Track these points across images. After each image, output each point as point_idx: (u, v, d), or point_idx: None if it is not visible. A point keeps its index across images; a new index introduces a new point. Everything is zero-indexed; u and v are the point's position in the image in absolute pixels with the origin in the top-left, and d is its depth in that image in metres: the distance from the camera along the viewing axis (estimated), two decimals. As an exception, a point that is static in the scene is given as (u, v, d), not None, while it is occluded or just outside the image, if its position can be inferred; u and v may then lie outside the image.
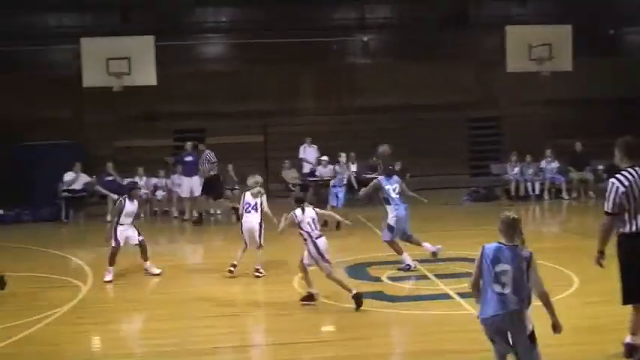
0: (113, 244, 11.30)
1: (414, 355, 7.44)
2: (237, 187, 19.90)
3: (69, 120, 22.19)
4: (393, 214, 11.27)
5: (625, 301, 6.65)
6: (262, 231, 11.16)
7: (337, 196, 16.31)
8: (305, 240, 9.29)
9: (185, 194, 18.56)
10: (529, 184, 20.50)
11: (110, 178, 19.19)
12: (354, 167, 20.30)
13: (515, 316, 5.33)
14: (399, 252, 11.31)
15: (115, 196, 18.51)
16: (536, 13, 24.52)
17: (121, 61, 18.79)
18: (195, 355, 7.70)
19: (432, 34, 23.41)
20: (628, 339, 6.73)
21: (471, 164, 24.03)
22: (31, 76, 21.73)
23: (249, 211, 11.24)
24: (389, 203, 11.37)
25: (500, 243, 5.55)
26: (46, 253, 14.21)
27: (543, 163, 20.69)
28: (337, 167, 17.69)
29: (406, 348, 7.59)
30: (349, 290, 9.06)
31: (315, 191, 20.27)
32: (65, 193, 18.89)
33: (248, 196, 11.36)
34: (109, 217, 18.29)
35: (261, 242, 11.15)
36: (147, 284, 11.25)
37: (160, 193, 19.40)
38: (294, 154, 20.54)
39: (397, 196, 11.43)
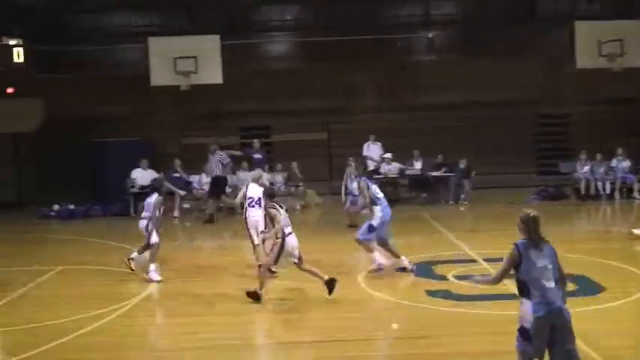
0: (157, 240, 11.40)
1: (481, 355, 7.35)
2: (301, 184, 20.06)
3: (138, 118, 22.67)
4: (379, 214, 11.02)
5: None
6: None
7: None
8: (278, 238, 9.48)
9: (251, 191, 18.69)
10: (599, 184, 20.00)
11: (177, 174, 19.54)
12: (418, 165, 20.19)
13: (563, 310, 5.46)
14: (370, 250, 11.13)
15: (182, 192, 18.97)
16: (605, 7, 23.85)
17: (188, 60, 19.16)
18: (260, 350, 7.78)
19: (498, 30, 23.03)
20: None
21: (538, 162, 23.54)
22: (102, 76, 22.27)
23: (253, 206, 11.14)
24: (376, 204, 11.13)
25: (530, 239, 5.62)
26: (115, 247, 14.55)
27: (614, 162, 20.15)
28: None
29: (473, 348, 7.49)
30: (321, 277, 9.47)
31: (380, 188, 20.22)
32: (133, 189, 19.32)
33: (251, 190, 11.22)
34: (175, 213, 18.71)
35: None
36: (213, 280, 11.40)
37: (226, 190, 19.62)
38: (358, 152, 20.52)
39: (383, 196, 11.29)
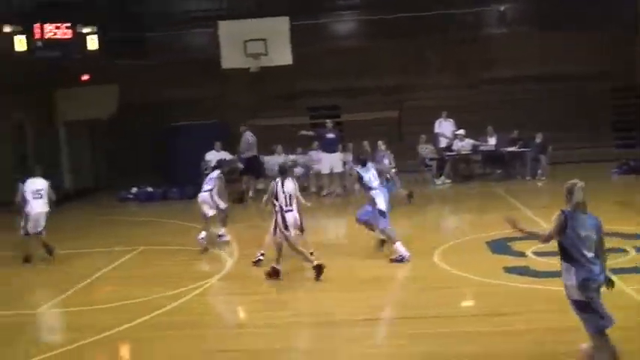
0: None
1: (562, 331, 7.18)
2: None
3: (211, 101, 22.98)
4: (379, 199, 10.72)
5: None
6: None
7: None
8: (276, 211, 9.78)
9: (325, 170, 18.78)
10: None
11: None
12: (492, 140, 19.81)
13: (601, 281, 5.64)
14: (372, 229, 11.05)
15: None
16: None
17: (258, 42, 19.27)
18: (332, 327, 7.79)
19: (570, 2, 22.25)
20: None
21: (614, 136, 22.76)
22: (174, 61, 22.61)
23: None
24: (370, 190, 10.85)
25: (576, 209, 5.74)
26: (192, 228, 14.79)
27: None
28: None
29: (553, 324, 7.33)
30: (311, 261, 9.63)
31: (453, 165, 19.99)
32: (207, 171, 19.55)
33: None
34: (250, 194, 18.91)
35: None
36: (290, 257, 11.47)
37: (298, 170, 19.69)
38: (429, 129, 20.27)
39: (377, 181, 11.04)
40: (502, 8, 23.17)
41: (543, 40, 22.33)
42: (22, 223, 11.90)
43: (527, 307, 8.03)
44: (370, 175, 10.97)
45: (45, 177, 12.31)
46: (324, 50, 22.61)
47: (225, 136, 20.80)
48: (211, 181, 12.38)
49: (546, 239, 5.93)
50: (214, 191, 12.19)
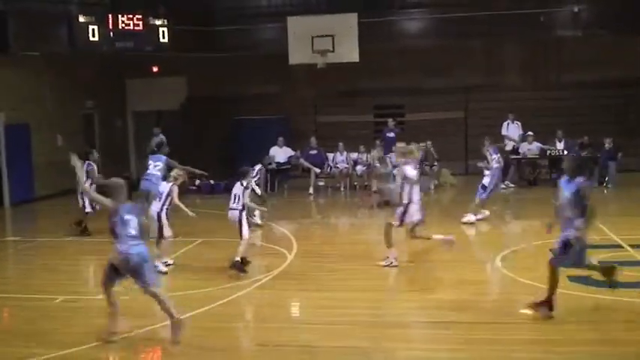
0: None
1: (629, 344, 6.98)
2: (436, 163, 19.76)
3: (276, 96, 23.15)
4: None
5: None
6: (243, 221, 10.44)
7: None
8: None
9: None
10: None
11: (314, 151, 19.78)
12: (561, 145, 19.38)
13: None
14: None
15: (318, 170, 19.21)
16: None
17: (326, 38, 19.35)
18: (389, 328, 7.76)
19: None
20: None
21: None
22: (241, 55, 22.84)
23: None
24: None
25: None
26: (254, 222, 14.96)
27: None
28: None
29: (615, 335, 7.14)
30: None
31: (518, 168, 19.65)
32: (271, 166, 19.71)
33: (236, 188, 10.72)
34: (310, 190, 18.97)
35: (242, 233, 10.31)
36: (347, 256, 11.49)
37: (359, 168, 19.67)
38: (495, 131, 19.95)
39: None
40: (576, 9, 22.58)
41: (619, 44, 21.72)
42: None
43: (589, 317, 7.83)
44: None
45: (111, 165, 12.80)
46: (391, 48, 22.46)
47: (287, 132, 20.95)
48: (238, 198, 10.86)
49: None
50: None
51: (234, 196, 10.47)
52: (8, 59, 18.11)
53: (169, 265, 10.63)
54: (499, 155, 14.40)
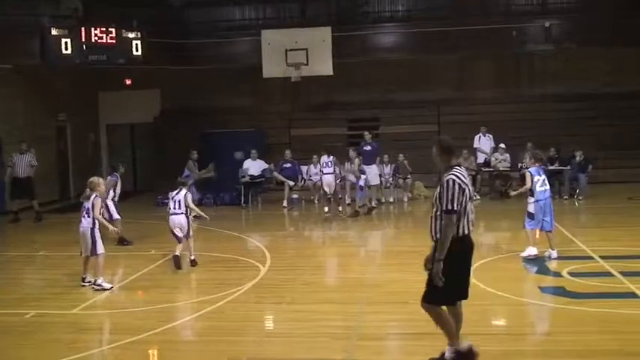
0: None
1: (603, 354, 7.03)
2: (409, 176, 19.87)
3: (250, 109, 23.16)
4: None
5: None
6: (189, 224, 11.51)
7: None
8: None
9: (361, 182, 18.71)
10: None
11: (288, 165, 19.77)
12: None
13: None
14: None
15: (292, 183, 19.19)
16: None
17: (300, 51, 19.43)
18: (364, 340, 7.75)
19: (612, 19, 21.84)
20: None
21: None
22: (215, 68, 22.84)
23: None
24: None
25: None
26: (227, 235, 14.92)
27: None
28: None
29: (588, 345, 7.19)
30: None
31: (490, 181, 19.81)
32: (244, 179, 19.70)
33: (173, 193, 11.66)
34: (284, 203, 18.93)
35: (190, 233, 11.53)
36: (322, 268, 11.48)
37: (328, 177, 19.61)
38: (468, 144, 20.12)
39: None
40: (547, 24, 22.89)
41: (589, 57, 22.07)
42: None
43: (565, 328, 7.88)
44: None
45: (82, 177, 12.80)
46: (365, 62, 22.60)
47: (261, 145, 20.94)
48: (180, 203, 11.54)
49: None
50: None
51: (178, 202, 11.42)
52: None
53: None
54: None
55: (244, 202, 19.55)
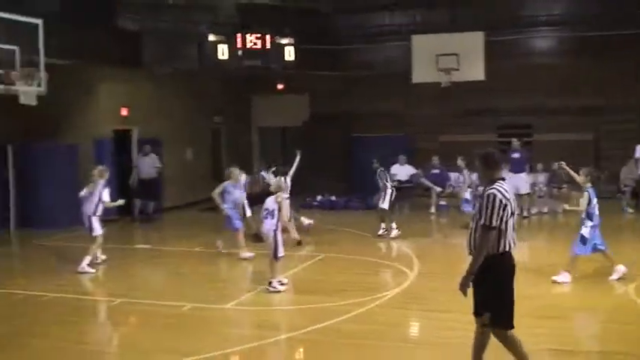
0: None
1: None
2: (565, 186, 19.07)
3: (398, 114, 23.09)
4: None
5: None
6: (278, 240, 10.33)
7: None
8: None
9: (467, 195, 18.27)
10: None
11: (436, 171, 19.55)
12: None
13: None
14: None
15: (438, 189, 18.96)
16: None
17: (450, 57, 19.19)
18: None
19: None
20: None
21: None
22: (364, 74, 22.95)
23: (266, 217, 10.39)
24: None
25: None
26: (374, 239, 14.95)
27: None
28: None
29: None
30: None
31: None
32: (392, 183, 19.62)
33: (268, 202, 10.50)
34: (432, 210, 18.73)
35: (276, 252, 10.33)
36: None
37: (482, 188, 19.21)
38: (628, 154, 19.04)
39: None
40: None
41: None
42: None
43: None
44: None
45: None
46: (518, 66, 21.94)
47: (409, 150, 20.83)
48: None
49: None
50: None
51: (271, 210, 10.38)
52: (142, 75, 19.05)
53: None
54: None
55: (391, 207, 19.48)
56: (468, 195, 16.32)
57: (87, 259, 11.94)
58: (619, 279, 10.38)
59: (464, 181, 16.98)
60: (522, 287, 10.15)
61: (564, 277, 10.45)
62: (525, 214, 17.49)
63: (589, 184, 10.42)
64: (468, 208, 15.67)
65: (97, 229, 12.11)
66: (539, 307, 9.18)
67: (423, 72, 19.67)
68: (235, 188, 13.17)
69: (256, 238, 13.40)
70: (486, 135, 22.55)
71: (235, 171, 13.44)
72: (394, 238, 14.77)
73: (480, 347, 6.44)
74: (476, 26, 20.08)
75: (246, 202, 13.95)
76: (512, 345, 6.27)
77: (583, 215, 10.32)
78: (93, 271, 11.85)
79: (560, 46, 22.18)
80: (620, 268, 10.48)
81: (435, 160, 19.78)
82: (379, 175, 15.56)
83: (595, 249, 10.41)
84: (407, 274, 11.24)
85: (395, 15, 24.11)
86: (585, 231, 10.27)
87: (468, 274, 6.03)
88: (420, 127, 22.94)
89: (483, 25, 20.38)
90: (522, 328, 8.43)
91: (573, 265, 10.49)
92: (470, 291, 6.17)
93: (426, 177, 19.44)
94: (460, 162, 17.25)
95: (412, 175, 19.80)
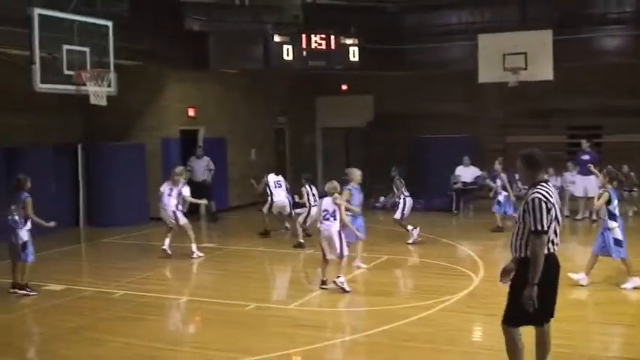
0: None
1: None
2: (635, 188, 18.55)
3: (463, 114, 22.79)
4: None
5: None
6: (342, 239, 10.28)
7: None
8: None
9: (579, 193, 17.83)
10: None
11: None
12: None
13: None
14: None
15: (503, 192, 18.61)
16: None
17: (518, 56, 18.84)
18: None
19: None
20: None
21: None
22: (429, 73, 22.71)
23: (328, 219, 10.25)
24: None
25: None
26: (437, 241, 14.80)
27: None
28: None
29: None
30: None
31: None
32: (457, 185, 19.45)
33: (326, 203, 10.37)
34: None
35: (342, 252, 10.27)
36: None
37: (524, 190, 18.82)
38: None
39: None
40: None
41: None
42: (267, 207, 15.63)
43: None
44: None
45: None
46: (587, 66, 21.36)
47: (475, 152, 20.54)
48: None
49: None
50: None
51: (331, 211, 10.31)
52: (208, 76, 19.31)
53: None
54: None
55: (455, 209, 19.31)
56: (501, 197, 16.28)
57: (194, 246, 13.28)
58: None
59: (501, 184, 16.53)
60: (591, 293, 10.02)
61: (633, 282, 10.16)
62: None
63: (609, 185, 10.37)
64: (499, 211, 16.20)
65: (182, 219, 13.32)
66: (610, 314, 8.94)
67: (489, 71, 19.34)
68: (357, 191, 12.06)
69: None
70: (555, 136, 22.07)
71: (356, 171, 12.22)
72: (418, 241, 14.43)
73: (540, 348, 6.39)
74: (544, 24, 19.65)
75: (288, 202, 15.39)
76: (510, 345, 6.25)
77: (605, 217, 10.30)
78: (201, 254, 13.29)
79: (631, 45, 21.50)
80: (637, 281, 10.20)
81: (497, 163, 19.42)
82: (395, 184, 15.09)
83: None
84: (471, 277, 11.09)
85: (461, 14, 23.78)
86: (617, 233, 10.20)
87: (531, 285, 5.82)
88: (486, 128, 22.60)
89: (552, 23, 19.93)
90: (592, 334, 8.29)
91: (630, 267, 10.28)
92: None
93: (491, 178, 19.11)
94: (497, 165, 16.84)
95: (477, 177, 19.52)
